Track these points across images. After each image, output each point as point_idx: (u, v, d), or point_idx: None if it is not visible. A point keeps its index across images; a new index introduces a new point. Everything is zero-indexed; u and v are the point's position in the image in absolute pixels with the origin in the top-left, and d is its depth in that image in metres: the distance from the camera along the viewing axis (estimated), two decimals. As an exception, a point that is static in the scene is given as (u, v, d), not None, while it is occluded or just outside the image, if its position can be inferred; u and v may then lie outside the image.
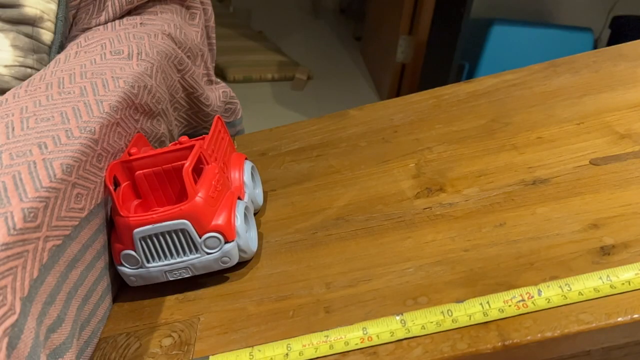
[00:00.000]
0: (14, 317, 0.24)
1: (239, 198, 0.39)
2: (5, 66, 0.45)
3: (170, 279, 0.36)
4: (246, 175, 0.43)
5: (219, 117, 0.44)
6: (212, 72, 0.60)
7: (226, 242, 0.35)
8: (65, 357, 0.28)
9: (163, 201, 0.39)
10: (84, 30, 0.50)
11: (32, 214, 0.27)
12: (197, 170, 0.37)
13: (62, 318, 0.29)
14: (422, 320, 0.30)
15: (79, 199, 0.32)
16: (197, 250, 0.35)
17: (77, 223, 0.32)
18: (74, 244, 0.31)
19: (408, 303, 0.32)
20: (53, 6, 0.48)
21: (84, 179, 0.33)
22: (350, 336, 0.30)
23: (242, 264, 0.39)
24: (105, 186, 0.35)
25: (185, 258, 0.35)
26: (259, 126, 0.61)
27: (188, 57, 0.53)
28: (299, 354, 0.30)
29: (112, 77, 0.40)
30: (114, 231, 0.36)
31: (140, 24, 0.50)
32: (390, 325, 0.30)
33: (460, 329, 0.29)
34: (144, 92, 0.42)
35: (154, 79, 0.44)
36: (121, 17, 0.51)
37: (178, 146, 0.38)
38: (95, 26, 0.50)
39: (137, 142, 0.41)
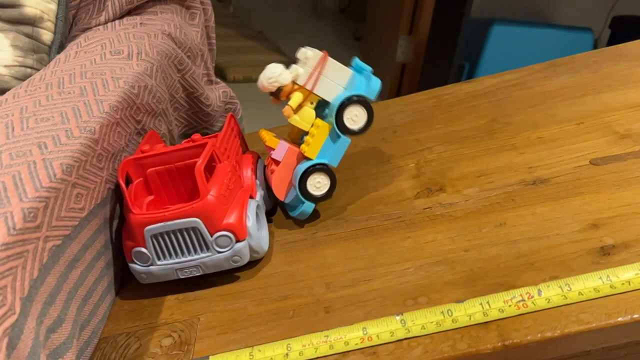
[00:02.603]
0: (14, 317, 0.24)
1: (251, 197, 0.39)
2: (5, 66, 0.45)
3: (181, 277, 0.36)
4: (259, 174, 0.42)
5: (231, 115, 0.43)
6: (212, 72, 0.60)
7: (237, 241, 0.35)
8: (65, 357, 0.28)
9: (175, 198, 0.39)
10: (84, 30, 0.50)
11: (32, 214, 0.27)
12: (210, 169, 0.37)
13: (62, 318, 0.29)
14: (422, 320, 0.30)
15: (78, 199, 0.32)
16: (208, 248, 0.35)
17: (77, 223, 0.32)
18: (74, 244, 0.31)
19: (408, 303, 0.32)
20: (53, 6, 0.48)
21: (84, 179, 0.33)
22: (350, 336, 0.30)
23: (257, 259, 0.38)
24: (118, 183, 0.35)
25: (196, 256, 0.35)
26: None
27: (188, 57, 0.53)
28: (299, 354, 0.30)
29: (112, 77, 0.40)
30: (125, 228, 0.36)
31: (140, 24, 0.50)
32: (390, 325, 0.30)
33: (460, 329, 0.29)
34: (144, 92, 0.42)
35: (154, 79, 0.44)
36: (121, 17, 0.51)
37: (190, 144, 0.38)
38: (95, 26, 0.50)
39: (150, 139, 0.41)
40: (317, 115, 0.40)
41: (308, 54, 0.38)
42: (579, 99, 0.48)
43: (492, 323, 0.29)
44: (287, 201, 0.41)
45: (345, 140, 0.39)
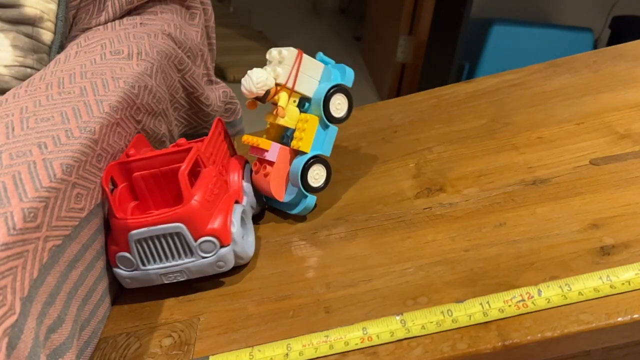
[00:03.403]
0: (14, 317, 0.24)
1: (237, 202, 0.39)
2: (5, 66, 0.45)
3: (166, 282, 0.36)
4: (245, 180, 0.42)
5: (219, 119, 0.43)
6: (212, 72, 0.60)
7: (221, 246, 0.35)
8: (65, 357, 0.28)
9: (161, 203, 0.39)
10: (84, 30, 0.50)
11: (32, 214, 0.27)
12: (196, 173, 0.37)
13: (62, 318, 0.29)
14: (422, 320, 0.30)
15: (78, 199, 0.32)
16: (192, 254, 0.35)
17: (77, 223, 0.32)
18: (74, 244, 0.31)
19: (408, 303, 0.32)
20: (53, 6, 0.48)
21: (84, 179, 0.33)
22: (350, 336, 0.30)
23: (242, 264, 0.39)
24: (102, 188, 0.35)
25: (180, 261, 0.35)
26: (259, 126, 0.61)
27: (188, 57, 0.53)
28: (299, 354, 0.30)
29: (112, 77, 0.40)
30: (110, 233, 0.36)
31: (140, 24, 0.50)
32: (390, 325, 0.30)
33: (460, 329, 0.29)
34: (144, 92, 0.42)
35: (154, 79, 0.44)
36: (121, 17, 0.51)
37: (176, 148, 0.38)
38: (95, 26, 0.50)
39: (137, 144, 0.41)
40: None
41: (283, 53, 0.39)
42: (579, 99, 0.48)
43: (492, 323, 0.29)
44: (286, 200, 0.42)
45: (333, 129, 0.41)
